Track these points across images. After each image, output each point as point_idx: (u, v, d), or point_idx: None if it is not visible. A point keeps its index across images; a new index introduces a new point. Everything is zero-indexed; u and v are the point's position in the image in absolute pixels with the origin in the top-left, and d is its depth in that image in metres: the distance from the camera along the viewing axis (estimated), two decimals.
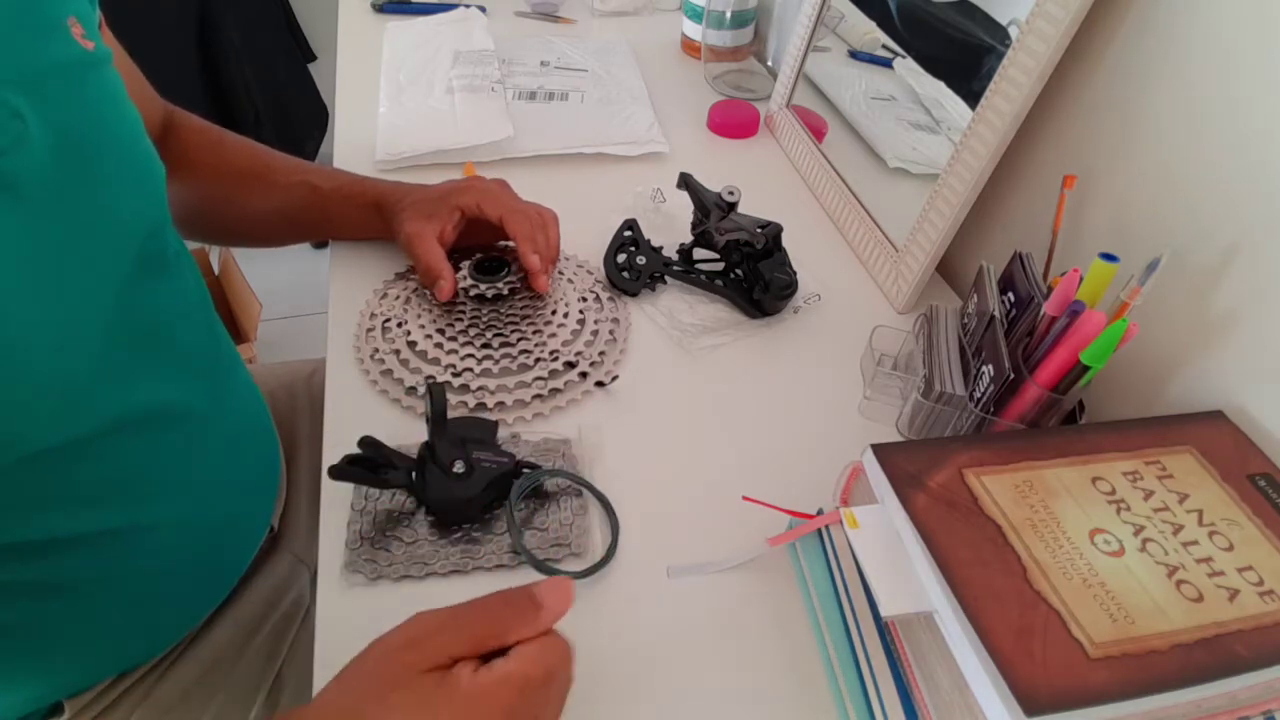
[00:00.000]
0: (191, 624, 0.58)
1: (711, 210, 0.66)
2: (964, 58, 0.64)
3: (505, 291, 0.62)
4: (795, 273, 0.65)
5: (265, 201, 0.68)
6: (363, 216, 0.67)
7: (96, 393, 0.43)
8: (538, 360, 0.59)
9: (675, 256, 0.70)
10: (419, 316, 0.61)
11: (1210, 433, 0.46)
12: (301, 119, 1.67)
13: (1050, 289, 0.50)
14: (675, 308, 0.67)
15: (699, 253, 0.70)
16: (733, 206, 0.66)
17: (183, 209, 0.68)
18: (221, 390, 0.56)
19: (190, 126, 0.67)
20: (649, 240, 0.70)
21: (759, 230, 0.64)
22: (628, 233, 0.70)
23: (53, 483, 0.43)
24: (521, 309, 0.62)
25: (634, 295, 0.67)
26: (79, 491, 0.44)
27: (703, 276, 0.68)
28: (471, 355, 0.58)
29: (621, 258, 0.68)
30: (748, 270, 0.66)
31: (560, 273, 0.67)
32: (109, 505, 0.46)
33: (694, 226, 0.68)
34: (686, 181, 0.68)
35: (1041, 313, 0.50)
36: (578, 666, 0.43)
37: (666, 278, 0.69)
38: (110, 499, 0.46)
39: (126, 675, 0.55)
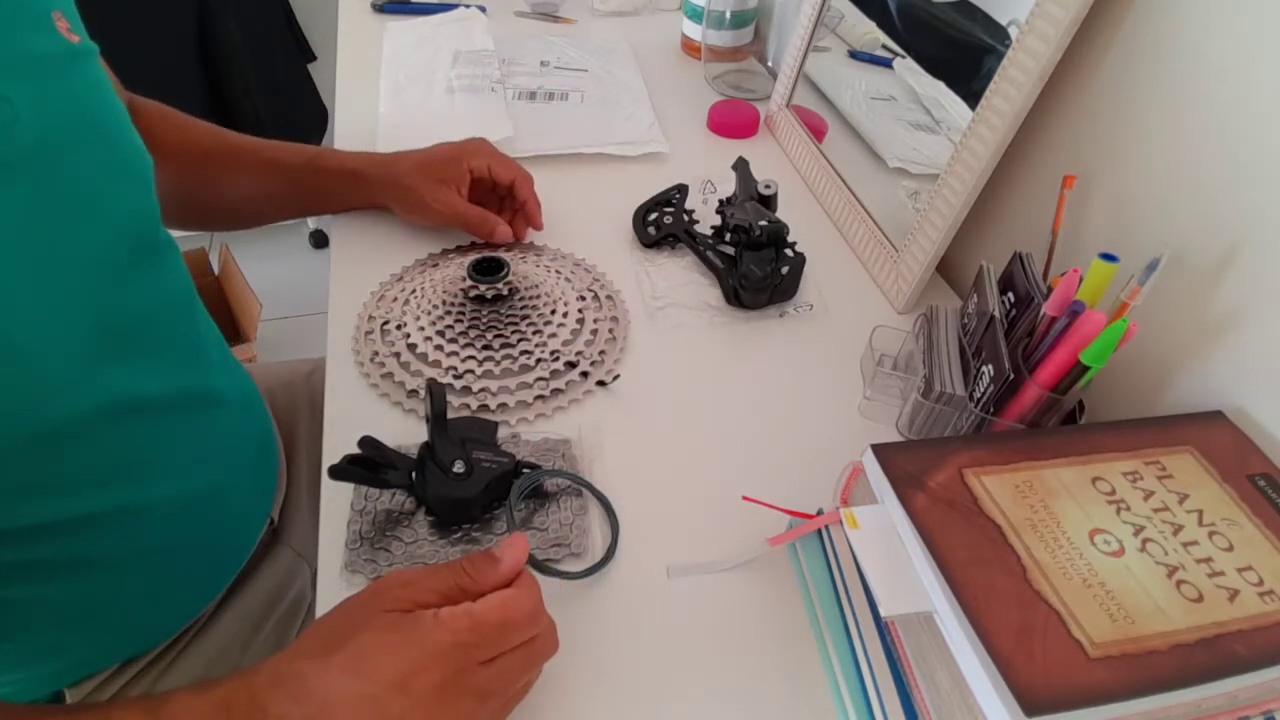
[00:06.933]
0: (193, 613, 0.58)
1: (741, 196, 0.69)
2: (964, 58, 0.64)
3: (504, 292, 0.62)
4: (782, 273, 0.65)
5: (239, 182, 0.69)
6: (340, 186, 0.69)
7: (86, 377, 0.43)
8: (539, 360, 0.59)
9: (709, 231, 0.72)
10: (418, 319, 0.61)
11: (1210, 433, 0.46)
12: (302, 119, 1.67)
13: (1050, 289, 0.50)
14: (668, 285, 0.68)
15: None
16: (766, 200, 0.68)
17: (161, 197, 0.69)
18: (208, 377, 0.56)
19: (152, 111, 0.67)
20: (690, 211, 0.73)
21: (760, 223, 0.65)
22: (677, 196, 0.73)
23: (43, 469, 0.43)
24: (521, 309, 0.62)
25: (646, 246, 0.70)
26: (69, 477, 0.45)
27: (709, 253, 0.69)
28: (473, 357, 0.58)
29: (653, 216, 0.71)
30: (740, 258, 0.67)
31: (558, 272, 0.67)
32: (100, 489, 0.47)
33: (719, 204, 0.71)
34: (741, 166, 0.72)
35: (1041, 313, 0.50)
36: (577, 665, 0.43)
37: (682, 244, 0.71)
38: (101, 482, 0.47)
39: (128, 666, 0.56)
